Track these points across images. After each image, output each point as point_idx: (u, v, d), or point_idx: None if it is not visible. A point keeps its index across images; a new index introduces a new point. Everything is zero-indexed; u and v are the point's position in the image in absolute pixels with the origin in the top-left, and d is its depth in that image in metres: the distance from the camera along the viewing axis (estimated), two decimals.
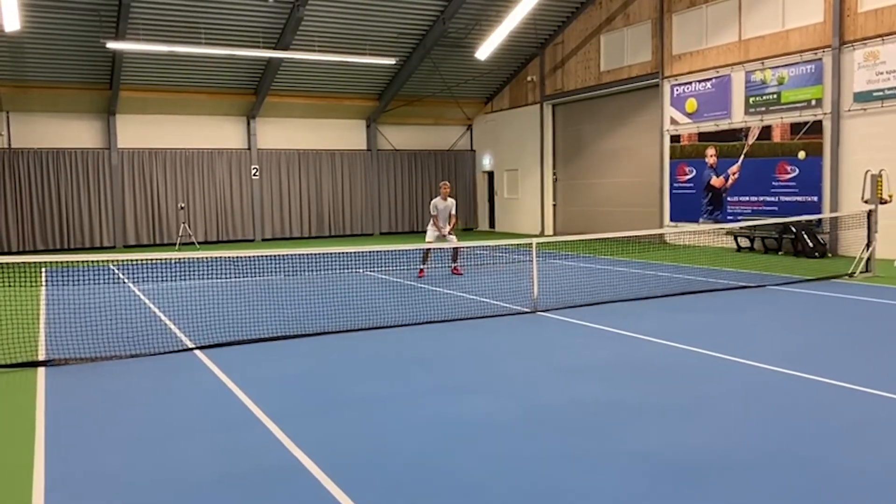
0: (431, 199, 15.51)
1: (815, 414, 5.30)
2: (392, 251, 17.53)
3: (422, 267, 13.69)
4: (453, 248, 13.95)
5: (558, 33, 23.56)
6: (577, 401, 5.74)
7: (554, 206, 24.96)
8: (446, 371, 6.81)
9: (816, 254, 15.67)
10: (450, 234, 13.69)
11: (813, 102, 16.35)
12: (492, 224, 28.06)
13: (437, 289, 11.97)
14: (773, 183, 17.32)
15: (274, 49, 20.57)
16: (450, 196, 13.93)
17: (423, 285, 12.38)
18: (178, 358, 7.51)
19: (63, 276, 14.55)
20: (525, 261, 15.38)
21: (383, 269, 14.99)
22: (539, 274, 10.09)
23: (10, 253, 20.94)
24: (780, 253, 16.59)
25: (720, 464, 4.38)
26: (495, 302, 10.47)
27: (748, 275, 13.00)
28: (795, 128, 16.75)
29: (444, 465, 4.45)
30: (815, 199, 16.40)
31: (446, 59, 23.59)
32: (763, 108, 17.42)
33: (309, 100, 24.48)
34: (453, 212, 13.83)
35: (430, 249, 13.80)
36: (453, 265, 14.06)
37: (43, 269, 15.52)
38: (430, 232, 13.85)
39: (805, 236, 15.85)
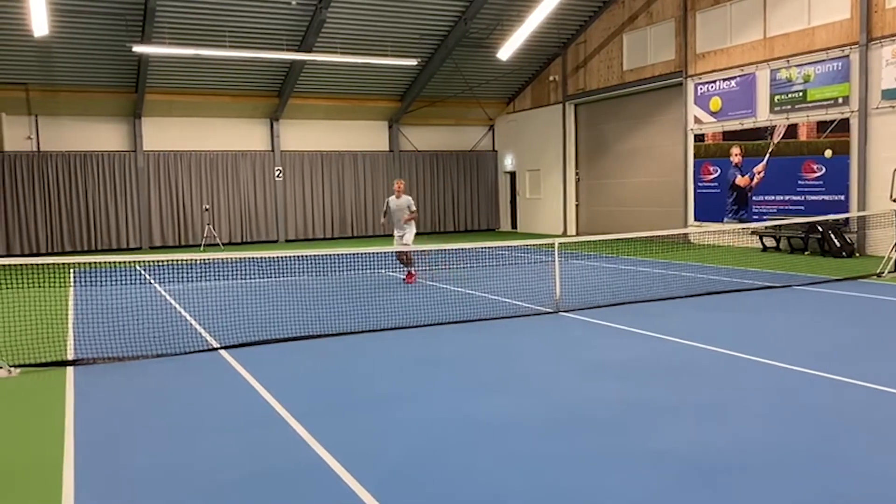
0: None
1: (843, 415, 5.23)
2: (414, 252, 17.53)
3: (409, 270, 13.02)
4: (405, 253, 13.07)
5: (580, 32, 23.47)
6: (600, 400, 5.72)
7: (576, 206, 24.86)
8: (468, 371, 6.82)
9: (844, 253, 15.46)
10: (404, 235, 12.97)
11: (840, 100, 16.12)
12: (514, 224, 28.00)
13: (459, 289, 11.99)
14: (800, 182, 17.11)
15: (297, 51, 20.72)
16: (405, 194, 13.15)
17: (444, 286, 12.39)
18: (203, 358, 7.59)
19: (91, 277, 14.77)
20: (547, 261, 15.33)
21: (405, 269, 14.99)
22: (561, 274, 10.05)
23: (38, 254, 21.29)
24: (806, 253, 16.39)
25: (745, 464, 4.35)
26: (517, 302, 10.46)
27: (774, 275, 12.85)
28: (822, 126, 16.53)
29: (467, 465, 4.46)
30: (843, 197, 16.17)
31: (468, 60, 23.59)
32: (789, 107, 17.22)
33: (331, 101, 24.61)
34: (413, 208, 13.07)
35: (404, 252, 13.04)
36: (407, 270, 13.10)
37: (71, 270, 15.77)
38: (395, 234, 13.22)
39: (832, 236, 15.64)
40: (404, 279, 13.11)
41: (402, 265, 13.36)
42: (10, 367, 7.09)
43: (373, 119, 26.27)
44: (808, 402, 5.57)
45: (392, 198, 13.21)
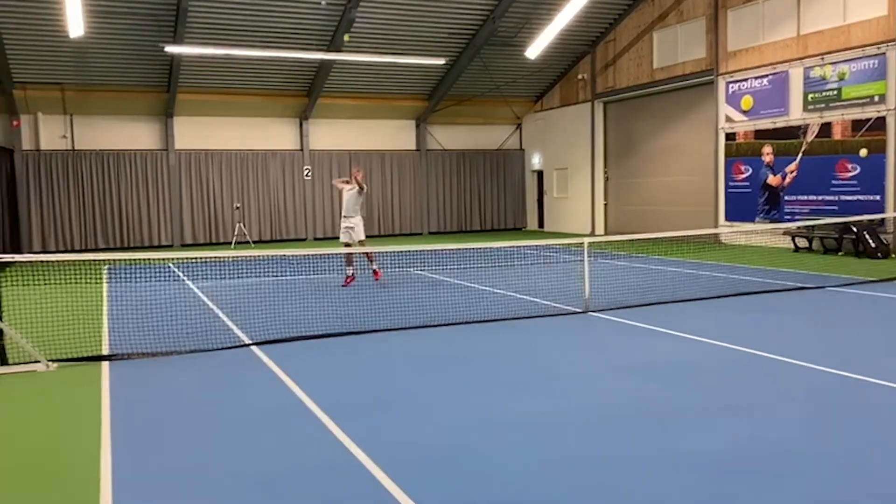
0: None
1: (878, 418, 5.15)
2: (441, 251, 17.58)
3: (349, 273, 12.63)
4: (366, 253, 12.82)
5: (610, 30, 23.30)
6: (630, 401, 5.68)
7: (605, 205, 24.70)
8: (498, 369, 6.82)
9: (879, 254, 15.18)
10: (355, 227, 12.60)
11: (876, 98, 15.83)
12: (541, 224, 27.91)
13: (487, 288, 11.98)
14: (833, 181, 16.83)
15: (326, 51, 20.85)
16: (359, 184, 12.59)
17: (472, 285, 12.39)
18: (235, 354, 7.68)
19: (124, 274, 15.01)
20: (575, 260, 15.26)
21: (433, 268, 15.05)
22: (590, 274, 10.00)
23: (73, 251, 21.67)
24: (839, 253, 16.12)
25: (777, 466, 4.29)
26: (546, 302, 10.43)
27: (807, 275, 12.66)
28: (857, 125, 16.24)
29: (496, 463, 4.46)
30: (878, 197, 15.87)
31: (496, 58, 23.55)
32: (822, 105, 16.94)
33: (360, 101, 24.72)
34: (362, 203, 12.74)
35: (352, 253, 12.74)
36: (373, 268, 12.75)
37: (105, 267, 16.03)
38: (342, 231, 12.85)
39: (867, 236, 15.36)
40: (346, 281, 12.56)
41: (349, 264, 12.72)
42: (48, 361, 7.23)
43: (400, 118, 26.34)
44: (842, 405, 5.49)
45: (347, 186, 12.62)
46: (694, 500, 3.90)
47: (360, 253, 12.90)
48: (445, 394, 6.03)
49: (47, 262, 11.90)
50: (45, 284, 10.75)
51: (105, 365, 7.27)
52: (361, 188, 12.75)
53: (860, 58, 16.09)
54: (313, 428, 5.22)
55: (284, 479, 4.31)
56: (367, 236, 13.16)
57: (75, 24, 16.04)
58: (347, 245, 12.70)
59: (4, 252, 19.19)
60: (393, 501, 3.96)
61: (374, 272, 12.86)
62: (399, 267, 15.26)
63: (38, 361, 7.19)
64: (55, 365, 7.22)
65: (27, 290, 10.38)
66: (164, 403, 6.00)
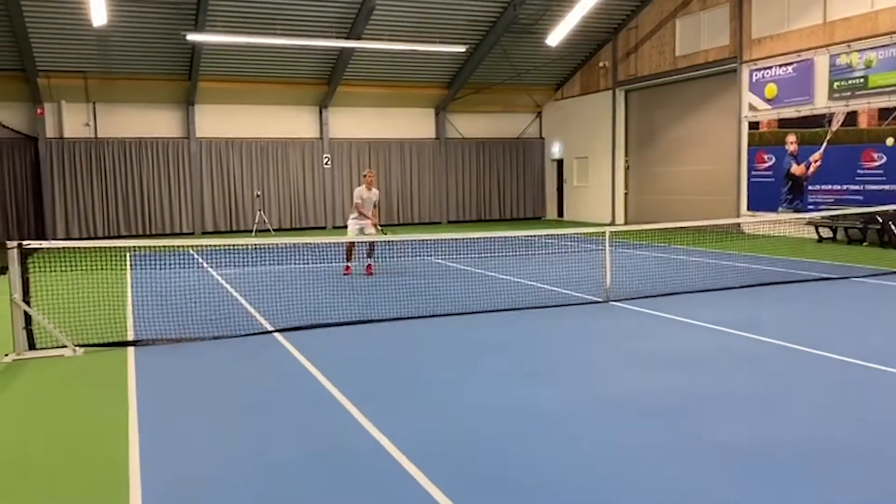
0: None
1: None
2: (461, 239, 17.60)
3: (348, 264, 12.75)
4: (369, 243, 12.91)
5: (632, 18, 23.08)
6: (653, 391, 5.67)
7: (625, 194, 24.54)
8: (519, 358, 6.83)
9: None
10: (370, 227, 12.73)
11: None
12: (560, 213, 27.79)
13: (507, 277, 11.97)
14: (858, 171, 16.59)
15: (346, 39, 20.84)
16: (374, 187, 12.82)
17: (492, 273, 12.39)
18: (258, 340, 7.75)
19: (148, 261, 15.17)
20: (596, 250, 15.20)
21: (452, 256, 15.06)
22: (611, 263, 9.96)
23: (95, 238, 21.91)
24: (864, 244, 15.92)
25: (801, 457, 4.27)
26: (566, 291, 10.41)
27: (831, 266, 12.53)
28: (884, 113, 15.99)
29: (520, 451, 4.47)
30: None
31: (516, 46, 23.41)
32: (848, 93, 16.69)
33: (379, 89, 24.71)
34: (377, 202, 12.93)
35: (353, 244, 12.87)
36: (367, 262, 12.85)
37: (128, 254, 16.20)
38: (353, 224, 12.82)
39: (893, 227, 15.15)
40: (365, 271, 12.74)
41: (366, 257, 12.90)
42: (75, 346, 7.34)
43: (420, 106, 26.29)
44: (866, 396, 5.44)
45: (363, 188, 12.71)
46: (714, 490, 3.89)
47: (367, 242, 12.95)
48: (466, 382, 6.05)
49: (73, 248, 12.03)
50: (73, 271, 10.89)
51: (131, 350, 7.36)
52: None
53: (888, 45, 15.82)
54: (336, 414, 5.26)
55: (309, 465, 4.35)
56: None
57: (98, 12, 16.16)
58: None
59: (30, 238, 19.46)
60: (416, 486, 3.99)
61: (368, 267, 12.82)
62: (418, 255, 15.29)
63: (66, 346, 7.31)
64: (82, 350, 7.33)
65: (53, 276, 10.51)
66: (189, 389, 6.07)
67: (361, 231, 12.71)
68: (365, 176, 12.97)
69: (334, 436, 4.83)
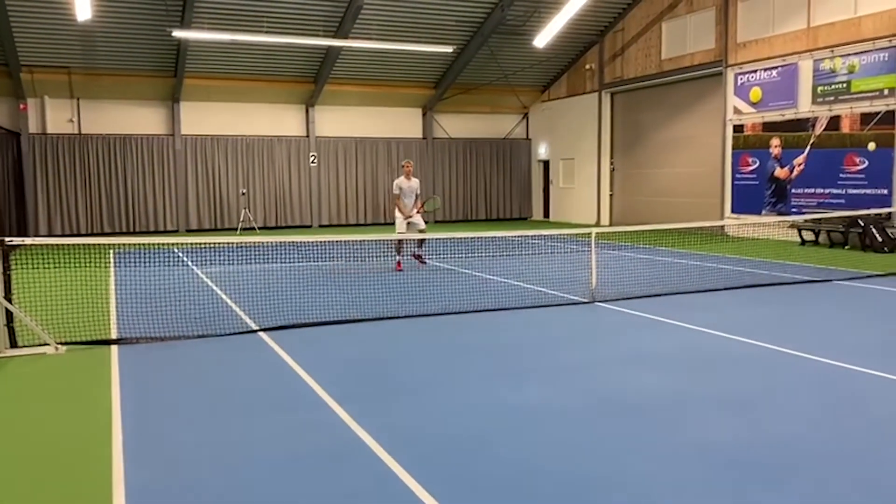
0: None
1: (885, 412, 5.16)
2: (447, 239, 17.61)
3: (399, 259, 12.92)
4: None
5: (619, 20, 23.20)
6: (637, 390, 5.71)
7: (611, 195, 24.65)
8: (505, 358, 6.84)
9: (886, 248, 15.15)
10: (416, 215, 12.97)
11: (885, 92, 15.75)
12: (546, 213, 27.88)
13: (493, 277, 11.99)
14: (841, 175, 16.77)
15: (333, 37, 20.79)
16: (414, 176, 12.82)
17: (478, 273, 12.41)
18: (243, 339, 7.72)
19: (131, 258, 15.05)
20: (581, 251, 15.26)
21: (438, 256, 15.06)
22: (597, 264, 10.00)
23: (78, 235, 21.71)
24: (846, 247, 16.09)
25: (783, 458, 4.31)
26: (552, 291, 10.44)
27: (814, 269, 12.65)
28: (866, 118, 16.17)
29: (504, 450, 4.49)
30: (886, 191, 15.82)
31: (504, 47, 23.47)
32: (832, 98, 16.87)
33: (366, 88, 24.67)
34: (418, 192, 13.15)
35: (402, 240, 13.01)
36: (418, 252, 13.19)
37: (111, 251, 16.07)
38: (400, 220, 13.04)
39: (874, 230, 15.33)
40: (414, 258, 13.30)
41: (398, 253, 12.99)
42: (57, 344, 7.27)
43: (407, 106, 26.28)
44: (848, 397, 5.50)
45: (402, 178, 12.97)
46: (698, 490, 3.92)
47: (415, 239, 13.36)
48: (451, 382, 6.06)
49: (55, 245, 11.92)
50: (56, 268, 10.78)
51: (114, 349, 7.31)
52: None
53: (870, 51, 16.00)
54: (321, 413, 5.25)
55: (293, 465, 4.34)
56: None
57: (83, 7, 16.00)
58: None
59: (11, 235, 19.25)
60: (402, 487, 3.99)
61: (419, 257, 13.33)
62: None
63: (48, 344, 7.24)
64: (64, 348, 7.26)
65: (36, 273, 10.42)
66: (173, 387, 6.04)
67: (410, 224, 12.91)
68: (404, 166, 13.17)
69: (319, 435, 4.82)
